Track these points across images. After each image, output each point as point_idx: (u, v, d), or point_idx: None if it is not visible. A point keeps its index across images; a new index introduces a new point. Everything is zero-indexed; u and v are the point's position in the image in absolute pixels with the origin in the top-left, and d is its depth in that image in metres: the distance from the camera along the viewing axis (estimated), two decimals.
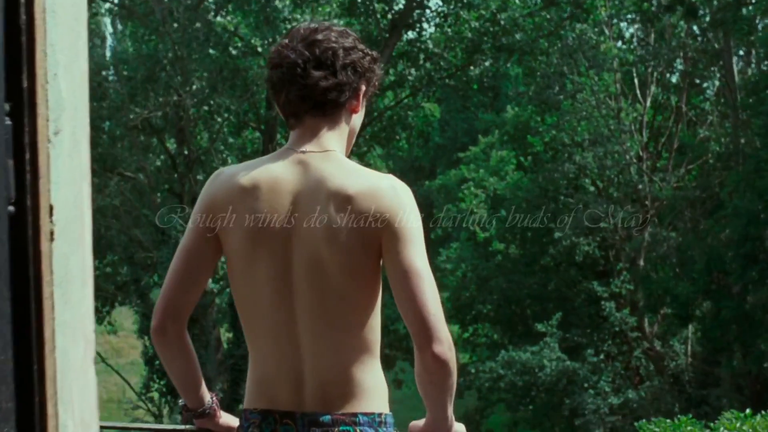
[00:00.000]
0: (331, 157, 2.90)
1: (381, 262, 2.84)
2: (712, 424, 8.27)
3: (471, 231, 29.23)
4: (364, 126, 23.04)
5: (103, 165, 21.61)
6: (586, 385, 23.47)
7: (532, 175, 27.53)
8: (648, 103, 25.56)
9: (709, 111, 25.61)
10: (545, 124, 26.66)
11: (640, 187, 24.44)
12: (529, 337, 26.23)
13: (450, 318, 30.92)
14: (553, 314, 24.86)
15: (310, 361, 2.87)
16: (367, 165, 26.33)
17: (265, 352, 2.92)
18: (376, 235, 2.79)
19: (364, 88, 2.98)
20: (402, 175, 32.17)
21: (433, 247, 37.99)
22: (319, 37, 2.92)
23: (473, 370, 24.99)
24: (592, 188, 25.35)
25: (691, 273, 24.09)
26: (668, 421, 8.43)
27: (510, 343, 26.66)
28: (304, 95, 2.88)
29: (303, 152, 2.90)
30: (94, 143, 21.30)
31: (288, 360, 2.88)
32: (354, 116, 3.02)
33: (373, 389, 2.91)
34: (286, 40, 2.97)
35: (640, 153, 25.00)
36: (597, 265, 26.72)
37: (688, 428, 8.24)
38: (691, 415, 8.56)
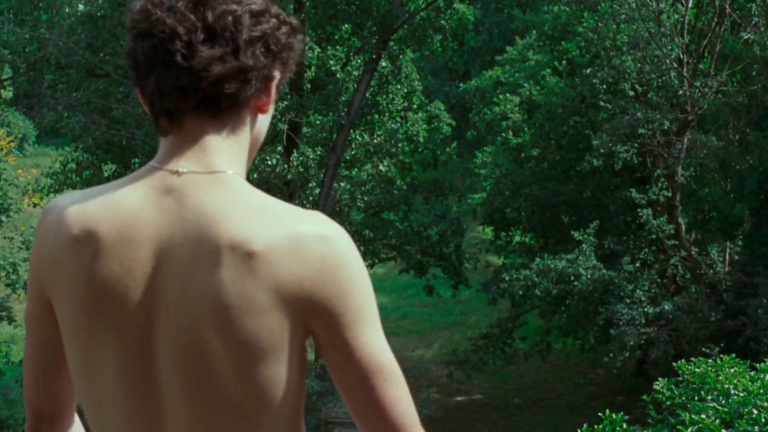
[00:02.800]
0: (223, 183, 1.86)
1: (305, 344, 1.90)
2: (757, 365, 7.80)
3: (505, 136, 28.63)
4: (392, 30, 22.29)
5: (124, 73, 21.10)
6: (621, 294, 23.10)
7: (569, 80, 26.79)
8: (690, 4, 24.61)
9: (755, 12, 24.56)
10: (583, 27, 25.82)
11: (681, 92, 23.66)
12: (564, 243, 25.91)
13: (483, 223, 30.60)
14: (588, 221, 24.48)
15: None
16: (398, 69, 26.12)
17: None
18: (303, 317, 1.82)
19: (278, 75, 1.95)
20: (435, 76, 31.70)
21: (467, 149, 37.53)
22: None
23: (507, 278, 24.68)
24: (631, 93, 24.57)
25: (738, 188, 23.46)
26: (709, 361, 7.96)
27: (544, 251, 26.30)
28: (185, 85, 1.83)
29: (177, 173, 1.87)
30: (116, 52, 20.80)
31: None
32: (261, 117, 1.98)
33: None
34: None
35: (681, 56, 24.16)
36: (634, 172, 26.16)
37: (731, 369, 7.77)
38: (734, 355, 8.09)
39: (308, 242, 1.81)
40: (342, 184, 24.14)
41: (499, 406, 29.05)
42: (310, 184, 23.80)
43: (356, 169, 26.16)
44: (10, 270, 19.31)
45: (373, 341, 1.85)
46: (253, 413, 1.84)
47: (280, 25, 1.91)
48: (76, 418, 2.12)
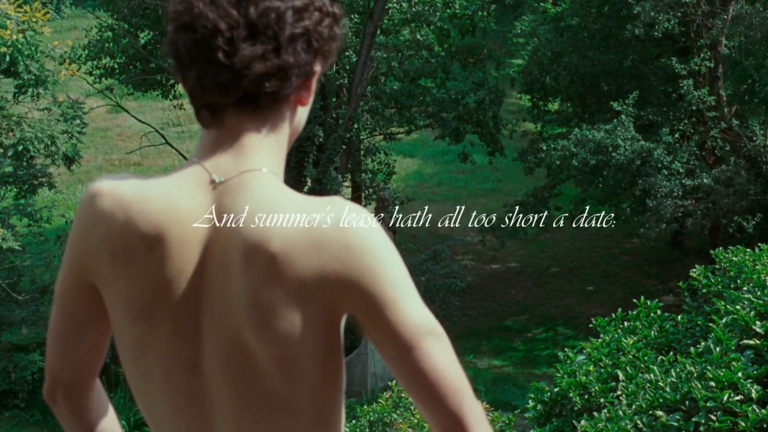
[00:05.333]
0: (251, 182, 1.88)
1: (341, 332, 1.92)
2: None
3: (545, 5, 28.10)
4: None
5: None
6: (659, 165, 22.97)
7: None
8: None
9: None
10: None
11: None
12: (603, 114, 25.66)
13: (521, 91, 30.31)
14: (628, 91, 24.18)
15: None
16: None
17: None
18: (337, 306, 1.84)
19: (319, 69, 1.95)
20: None
21: (505, 12, 36.92)
22: None
23: (544, 147, 24.55)
24: None
25: None
26: (748, 250, 7.92)
27: (582, 120, 26.07)
28: (226, 82, 1.84)
29: (213, 182, 1.89)
30: None
31: None
32: (300, 109, 1.99)
33: None
34: None
35: None
36: (676, 42, 25.69)
37: None
38: None
39: (328, 234, 1.81)
40: (379, 53, 23.88)
41: (534, 274, 29.29)
42: (347, 52, 23.60)
43: (392, 35, 25.88)
44: (49, 142, 19.49)
45: (415, 311, 1.85)
46: (297, 404, 1.89)
47: (322, 18, 1.90)
48: (98, 385, 2.17)
